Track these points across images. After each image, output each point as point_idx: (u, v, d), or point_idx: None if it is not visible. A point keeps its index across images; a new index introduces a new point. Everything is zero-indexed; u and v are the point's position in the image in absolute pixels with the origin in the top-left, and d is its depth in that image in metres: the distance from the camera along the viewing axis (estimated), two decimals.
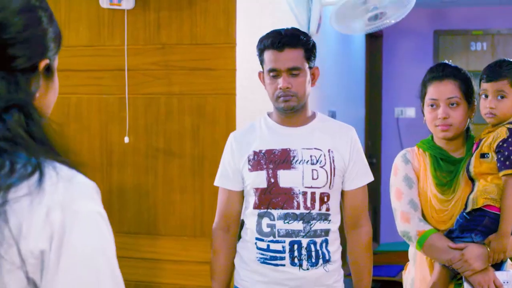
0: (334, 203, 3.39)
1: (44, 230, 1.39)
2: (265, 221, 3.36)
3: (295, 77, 3.31)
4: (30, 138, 1.46)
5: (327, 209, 3.35)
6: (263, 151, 3.38)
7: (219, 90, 4.28)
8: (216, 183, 3.55)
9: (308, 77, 3.37)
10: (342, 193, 3.46)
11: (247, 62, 4.36)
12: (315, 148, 3.37)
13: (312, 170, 3.32)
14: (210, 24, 4.29)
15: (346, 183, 3.43)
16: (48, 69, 1.60)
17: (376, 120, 9.52)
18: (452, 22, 9.52)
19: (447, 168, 3.41)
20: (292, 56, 3.30)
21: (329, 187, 3.34)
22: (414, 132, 9.28)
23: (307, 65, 3.35)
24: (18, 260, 1.36)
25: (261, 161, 3.36)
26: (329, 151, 3.37)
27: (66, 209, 1.41)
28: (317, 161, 3.34)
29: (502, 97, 3.26)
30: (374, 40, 9.26)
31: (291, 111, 3.36)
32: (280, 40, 3.30)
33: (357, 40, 8.34)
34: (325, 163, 3.34)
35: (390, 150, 9.20)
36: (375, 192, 8.85)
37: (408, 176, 3.46)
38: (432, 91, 3.39)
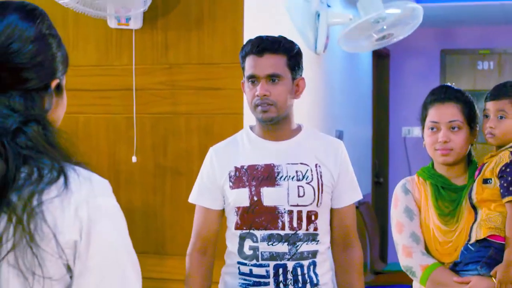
0: (322, 222, 3.15)
1: (75, 224, 1.65)
2: (248, 243, 3.10)
3: (274, 84, 3.06)
4: (50, 146, 1.71)
5: (315, 229, 3.11)
6: (245, 167, 3.13)
7: (226, 110, 4.29)
8: (191, 200, 3.30)
9: (290, 86, 3.11)
10: (331, 211, 3.22)
11: None
12: (301, 163, 3.13)
13: (298, 186, 3.08)
14: (217, 44, 4.31)
15: (335, 201, 3.20)
16: (58, 87, 1.85)
17: (383, 140, 9.51)
18: (459, 42, 9.53)
19: (449, 197, 3.23)
20: (272, 62, 3.06)
21: (317, 204, 3.11)
22: (421, 151, 9.23)
23: (289, 74, 3.11)
24: (57, 251, 1.63)
25: (243, 177, 3.11)
26: (316, 166, 3.13)
27: (90, 205, 1.68)
28: (303, 177, 3.10)
29: (502, 117, 3.16)
30: (381, 59, 9.27)
31: (271, 122, 3.10)
32: (260, 44, 3.08)
33: (364, 59, 8.35)
34: (312, 178, 3.11)
35: (398, 169, 9.19)
36: (383, 211, 8.82)
37: (409, 207, 3.28)
38: (433, 113, 3.24)
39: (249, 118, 4.27)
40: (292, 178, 3.09)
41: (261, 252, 3.07)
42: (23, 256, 1.60)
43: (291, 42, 3.17)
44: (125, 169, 4.49)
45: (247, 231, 3.10)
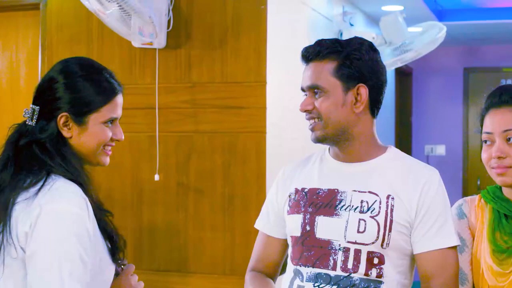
0: (392, 269, 2.48)
1: (28, 219, 2.13)
2: (296, 281, 2.56)
3: (318, 97, 2.54)
4: (51, 161, 2.22)
5: (379, 275, 2.46)
6: (306, 190, 2.61)
7: (249, 128, 4.29)
8: (255, 225, 2.83)
9: (340, 99, 2.52)
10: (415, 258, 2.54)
11: (277, 100, 4.37)
12: (369, 192, 2.52)
13: (359, 220, 2.48)
14: (241, 62, 4.32)
15: (415, 245, 2.50)
16: (67, 122, 2.28)
17: None
18: (482, 59, 9.50)
19: (511, 228, 2.51)
20: (315, 71, 2.55)
21: (382, 245, 2.46)
22: (444, 170, 9.21)
23: (339, 83, 2.53)
24: (17, 237, 2.13)
25: (301, 202, 2.59)
26: (388, 197, 2.49)
27: (43, 207, 2.12)
28: (368, 209, 2.49)
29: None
30: (404, 77, 9.26)
31: (323, 143, 2.60)
32: (306, 51, 2.61)
33: (387, 77, 8.35)
34: (379, 212, 2.48)
35: None
36: None
37: (460, 236, 2.58)
38: (487, 122, 2.54)
39: (273, 136, 4.27)
40: (355, 209, 2.51)
41: None
42: (2, 237, 2.15)
43: (349, 43, 2.58)
44: (148, 188, 4.50)
45: (296, 267, 2.57)
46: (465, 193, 8.84)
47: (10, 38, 5.30)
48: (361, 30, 6.30)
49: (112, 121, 2.36)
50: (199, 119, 4.41)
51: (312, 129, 2.57)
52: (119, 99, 2.38)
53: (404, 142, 9.37)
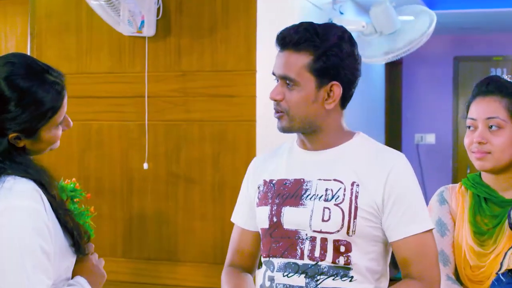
0: (361, 256, 2.45)
1: None
2: (267, 272, 2.54)
3: (289, 90, 2.46)
4: (7, 166, 2.19)
5: (347, 263, 2.43)
6: (274, 181, 2.57)
7: (239, 117, 4.29)
8: (231, 218, 2.82)
9: (311, 95, 2.45)
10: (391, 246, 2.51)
11: (267, 88, 4.34)
12: (334, 180, 2.47)
13: (324, 208, 2.44)
14: (230, 51, 4.31)
15: (388, 232, 2.46)
16: (19, 138, 2.22)
17: (396, 147, 9.48)
18: (472, 48, 9.51)
19: (491, 211, 2.64)
20: (289, 61, 2.45)
21: (348, 233, 2.42)
22: (434, 158, 9.26)
23: (312, 79, 2.44)
24: None
25: (268, 193, 2.56)
26: (353, 184, 2.44)
27: None
28: (332, 197, 2.44)
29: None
30: (393, 66, 9.26)
31: (287, 133, 2.55)
32: (283, 35, 2.48)
33: (377, 66, 8.34)
34: (343, 200, 2.43)
35: None
36: None
37: (442, 220, 2.71)
38: (473, 109, 2.66)
39: (263, 125, 4.26)
40: (320, 197, 2.46)
41: (276, 284, 2.51)
42: None
43: (328, 36, 2.45)
44: (137, 176, 4.49)
45: (267, 258, 2.54)
46: (455, 181, 8.85)
47: None
48: (351, 18, 6.29)
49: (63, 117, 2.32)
50: (189, 107, 4.40)
51: (278, 118, 2.52)
52: (65, 98, 2.30)
53: (394, 131, 9.38)
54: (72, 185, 3.74)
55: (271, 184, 2.57)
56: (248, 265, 2.72)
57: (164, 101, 4.44)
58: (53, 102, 2.23)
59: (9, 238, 2.10)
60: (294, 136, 2.64)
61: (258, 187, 2.63)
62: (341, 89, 2.47)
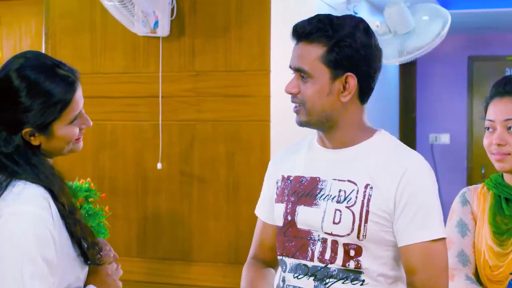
0: (372, 261, 2.36)
1: None
2: (281, 272, 2.50)
3: (304, 82, 2.39)
4: (17, 167, 2.19)
5: (357, 267, 2.35)
6: (291, 178, 2.51)
7: (253, 117, 4.28)
8: (255, 210, 2.75)
9: (325, 87, 2.37)
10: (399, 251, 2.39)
11: (281, 88, 4.33)
12: (348, 181, 2.39)
13: (336, 210, 2.36)
14: (244, 51, 4.31)
15: (398, 237, 2.35)
16: (33, 134, 2.22)
17: (410, 147, 9.40)
18: (487, 48, 9.47)
19: (511, 211, 2.62)
20: (302, 53, 2.39)
21: (358, 237, 2.33)
22: (448, 158, 9.22)
23: (326, 71, 2.36)
24: None
25: (285, 190, 2.50)
26: (366, 186, 2.35)
27: (5, 209, 2.11)
28: (344, 199, 2.36)
29: None
30: (408, 66, 9.23)
31: (304, 127, 2.47)
32: (297, 27, 2.42)
33: (391, 66, 8.32)
34: (355, 202, 2.35)
35: None
36: None
37: (463, 221, 2.68)
38: (491, 110, 2.64)
39: (277, 125, 4.26)
40: (333, 198, 2.39)
41: (287, 286, 2.46)
42: None
43: (342, 26, 2.38)
44: (151, 176, 4.50)
45: (280, 257, 2.49)
46: (469, 182, 8.82)
47: (13, 26, 5.30)
48: (365, 18, 6.27)
49: (77, 114, 2.29)
50: (202, 107, 4.40)
51: (296, 113, 2.44)
52: (78, 92, 2.28)
53: (408, 131, 9.35)
54: (86, 185, 3.75)
55: (289, 181, 2.51)
56: (270, 258, 2.64)
57: (178, 101, 4.44)
58: (63, 95, 2.22)
59: (11, 244, 2.09)
60: (311, 134, 2.57)
61: (277, 182, 2.57)
62: (356, 80, 2.37)
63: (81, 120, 2.31)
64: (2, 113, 2.21)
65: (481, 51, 9.55)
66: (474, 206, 2.71)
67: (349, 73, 2.36)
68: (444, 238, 2.34)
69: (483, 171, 9.00)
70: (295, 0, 4.84)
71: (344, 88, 2.38)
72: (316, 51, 2.36)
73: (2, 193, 2.15)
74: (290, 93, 2.43)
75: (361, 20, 2.43)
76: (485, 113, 2.67)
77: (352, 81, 2.37)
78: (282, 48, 4.43)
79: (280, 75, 4.35)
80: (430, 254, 2.32)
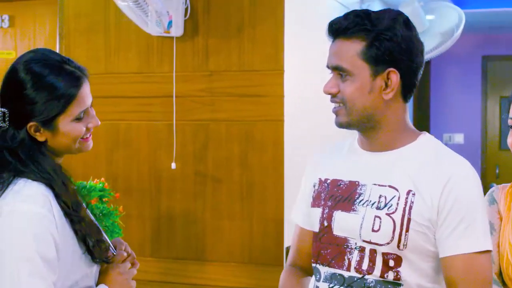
0: (412, 272, 2.22)
1: None
2: (314, 282, 2.37)
3: (343, 81, 2.25)
4: (22, 166, 2.19)
5: (397, 278, 2.20)
6: (328, 181, 2.37)
7: (267, 117, 4.28)
8: (292, 215, 2.60)
9: (368, 84, 2.23)
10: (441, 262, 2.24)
11: (295, 88, 4.36)
12: (389, 186, 2.24)
13: (375, 217, 2.22)
14: (258, 51, 4.31)
15: (440, 247, 2.19)
16: (38, 129, 2.21)
17: None
18: (501, 47, 9.44)
19: None
20: (340, 50, 2.24)
21: (398, 246, 2.19)
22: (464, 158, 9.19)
23: (367, 67, 2.22)
24: None
25: (322, 194, 2.36)
26: (408, 193, 2.21)
27: (4, 207, 2.11)
28: (385, 205, 2.23)
29: None
30: None
31: (345, 128, 2.32)
32: (333, 24, 2.28)
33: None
34: (396, 209, 2.20)
35: None
36: None
37: (489, 221, 2.44)
38: None
39: (290, 125, 4.26)
40: (372, 204, 2.25)
41: None
42: None
43: (381, 19, 2.24)
44: (165, 176, 4.50)
45: (315, 264, 2.36)
46: (483, 182, 8.78)
47: (28, 26, 5.32)
48: None
49: (84, 112, 2.28)
50: (216, 107, 4.40)
51: (336, 113, 2.28)
52: (85, 89, 2.26)
53: (422, 131, 9.34)
54: (101, 184, 3.76)
55: (326, 184, 2.38)
56: (309, 265, 2.45)
57: (192, 101, 4.45)
58: (67, 89, 2.21)
59: (8, 242, 2.10)
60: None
61: (314, 185, 2.43)
62: (399, 76, 2.23)
63: (88, 118, 2.31)
64: (8, 105, 2.22)
65: (495, 51, 9.52)
66: (500, 205, 2.62)
67: (391, 69, 2.22)
68: (489, 251, 2.19)
69: (497, 171, 8.98)
70: (308, 0, 4.84)
71: (386, 85, 2.24)
72: (354, 47, 2.22)
73: (4, 191, 2.15)
74: (329, 93, 2.28)
75: (399, 13, 2.31)
76: (509, 111, 2.56)
77: (395, 76, 2.23)
78: (295, 48, 4.42)
79: (294, 74, 4.35)
80: (473, 266, 2.17)
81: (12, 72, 2.23)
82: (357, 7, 5.65)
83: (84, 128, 2.27)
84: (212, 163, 4.42)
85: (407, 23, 2.28)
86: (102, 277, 2.35)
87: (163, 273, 4.51)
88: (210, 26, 4.41)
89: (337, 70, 2.23)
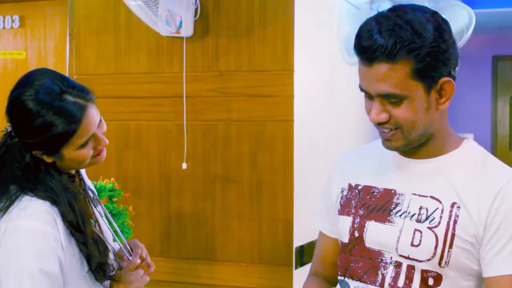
0: None
1: None
2: None
3: (395, 106, 2.04)
4: (27, 182, 2.21)
5: None
6: (360, 187, 2.22)
7: (277, 117, 4.28)
8: (314, 221, 2.47)
9: (423, 102, 2.04)
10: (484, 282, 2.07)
11: (305, 88, 4.36)
12: (431, 197, 2.07)
13: (415, 230, 2.05)
14: (268, 51, 4.31)
15: (485, 266, 2.03)
16: (43, 154, 2.25)
17: None
18: (511, 47, 9.43)
19: None
20: (386, 76, 1.99)
21: (440, 263, 2.03)
22: None
23: (420, 85, 2.02)
24: None
25: (352, 201, 2.21)
26: (453, 205, 2.04)
27: (9, 223, 2.14)
28: (426, 218, 2.05)
29: None
30: None
31: (400, 151, 2.16)
32: (367, 47, 2.01)
33: None
34: (439, 223, 2.03)
35: None
36: None
37: None
38: None
39: (300, 125, 4.26)
40: (412, 216, 2.08)
41: None
42: None
43: (424, 29, 1.99)
44: (175, 176, 4.51)
45: (342, 278, 2.21)
46: None
47: (38, 27, 5.33)
48: None
49: (89, 137, 2.29)
50: (226, 107, 4.40)
51: (387, 139, 2.11)
52: (88, 117, 2.23)
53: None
54: (110, 184, 3.77)
55: (356, 190, 2.22)
56: (333, 275, 2.33)
57: (202, 101, 4.45)
58: (67, 126, 2.18)
59: (12, 258, 2.12)
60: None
61: (342, 191, 2.28)
62: (453, 83, 2.09)
63: (96, 142, 2.30)
64: (14, 131, 2.26)
65: (505, 51, 9.51)
66: None
67: (444, 79, 2.07)
68: None
69: None
70: (319, 0, 4.84)
71: (440, 95, 2.10)
72: (403, 68, 1.99)
73: (9, 206, 2.18)
74: (379, 122, 2.09)
75: (435, 13, 2.09)
76: None
77: (449, 85, 2.09)
78: (305, 48, 4.42)
79: (304, 75, 4.35)
80: None
81: (12, 104, 2.23)
82: (367, 7, 5.64)
83: (92, 151, 2.30)
84: (221, 163, 4.42)
85: (445, 21, 2.10)
86: (113, 286, 2.36)
87: (172, 273, 4.51)
88: (220, 26, 4.41)
89: (388, 98, 2.04)
